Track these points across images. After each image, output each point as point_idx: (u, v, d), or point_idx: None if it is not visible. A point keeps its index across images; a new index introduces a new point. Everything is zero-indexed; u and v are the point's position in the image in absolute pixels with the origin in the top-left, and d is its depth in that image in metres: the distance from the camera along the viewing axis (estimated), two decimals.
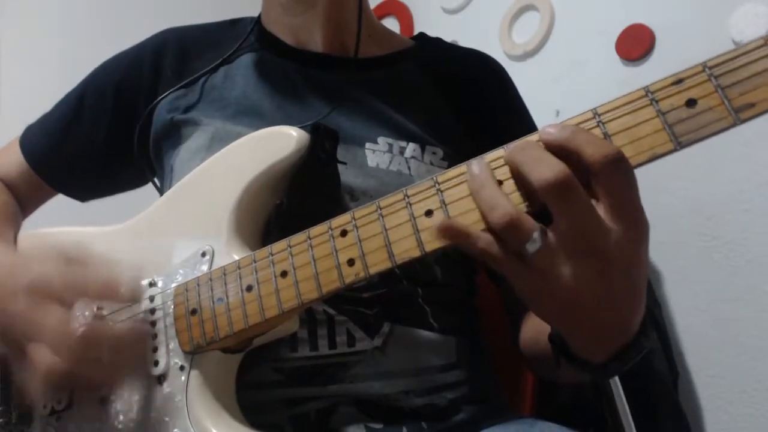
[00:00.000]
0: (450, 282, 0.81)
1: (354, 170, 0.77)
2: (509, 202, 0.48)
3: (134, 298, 0.65)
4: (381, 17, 2.30)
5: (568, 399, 1.05)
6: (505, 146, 0.51)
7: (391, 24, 2.28)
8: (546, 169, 0.46)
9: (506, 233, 0.47)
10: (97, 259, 0.65)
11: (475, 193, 0.50)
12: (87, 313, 0.61)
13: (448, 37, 1.03)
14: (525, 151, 0.48)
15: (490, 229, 0.49)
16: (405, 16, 2.26)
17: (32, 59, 1.80)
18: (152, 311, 0.68)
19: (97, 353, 0.59)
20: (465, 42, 1.93)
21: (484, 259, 0.50)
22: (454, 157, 0.82)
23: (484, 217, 0.49)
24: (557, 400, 1.03)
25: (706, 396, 1.52)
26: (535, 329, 0.77)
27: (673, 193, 1.57)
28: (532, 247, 0.47)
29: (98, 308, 0.66)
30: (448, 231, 0.50)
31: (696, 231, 1.56)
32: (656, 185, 1.52)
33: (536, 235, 0.46)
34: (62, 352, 0.58)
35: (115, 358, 0.61)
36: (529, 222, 0.47)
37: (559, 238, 0.47)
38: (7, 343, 0.66)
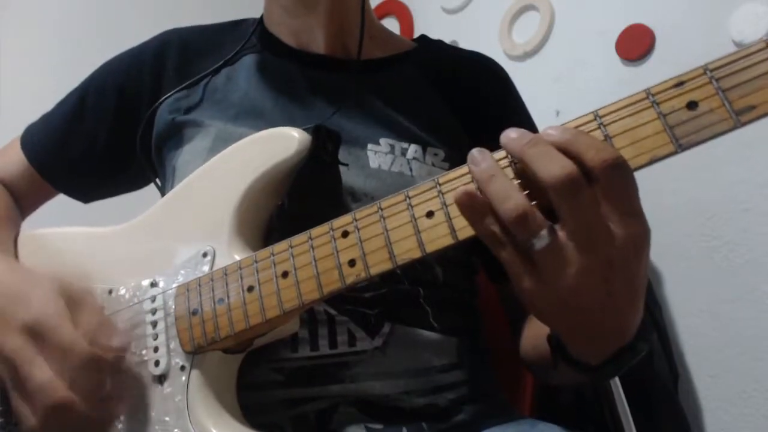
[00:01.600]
0: (451, 282, 0.81)
1: (356, 171, 0.77)
2: (522, 195, 0.47)
3: (125, 349, 0.66)
4: (381, 17, 2.30)
5: (568, 399, 1.05)
6: (501, 139, 0.51)
7: (391, 24, 2.28)
8: (556, 165, 0.45)
9: (516, 226, 0.47)
10: (96, 306, 0.66)
11: (483, 183, 0.49)
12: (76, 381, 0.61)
13: (448, 37, 1.03)
14: (535, 146, 0.47)
15: (499, 221, 0.48)
16: (405, 16, 2.26)
17: (32, 59, 1.80)
18: (153, 311, 0.68)
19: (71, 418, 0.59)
20: (465, 42, 1.95)
21: (491, 246, 0.49)
22: (455, 159, 0.82)
23: (493, 210, 0.48)
24: (557, 400, 1.03)
25: (706, 396, 1.52)
26: (534, 334, 0.77)
27: (674, 193, 1.57)
28: (539, 243, 0.46)
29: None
30: (471, 199, 0.49)
31: (696, 231, 1.56)
32: (657, 185, 1.53)
33: (545, 231, 0.46)
34: (45, 402, 0.58)
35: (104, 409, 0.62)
36: (540, 217, 0.47)
37: (566, 237, 0.47)
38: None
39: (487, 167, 0.49)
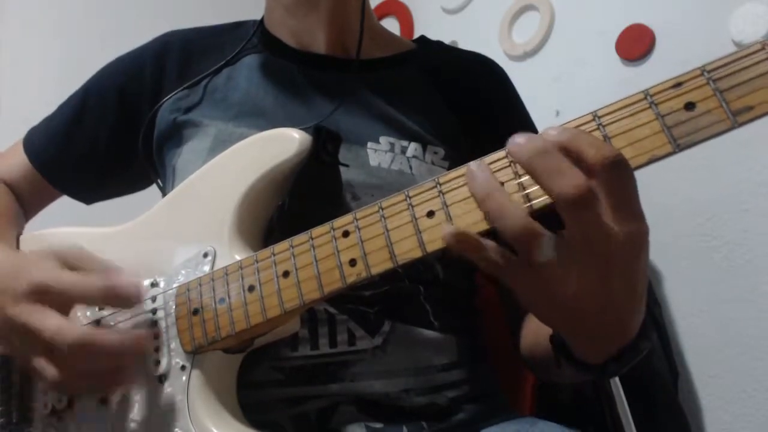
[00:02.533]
0: (451, 281, 0.81)
1: (356, 169, 0.77)
2: (521, 211, 0.47)
3: (134, 301, 0.64)
4: (381, 17, 2.30)
5: (568, 399, 1.05)
6: (505, 149, 0.51)
7: (391, 24, 2.28)
8: (569, 181, 0.45)
9: (517, 242, 0.47)
10: (97, 262, 0.65)
11: (482, 201, 0.49)
12: (84, 320, 0.62)
13: (448, 37, 1.03)
14: (546, 158, 0.46)
15: (498, 235, 0.48)
16: (405, 16, 2.26)
17: (33, 61, 1.80)
18: (154, 311, 0.68)
19: (94, 359, 0.60)
20: (465, 42, 1.95)
21: (488, 269, 0.49)
22: (455, 157, 0.83)
23: (494, 225, 0.48)
24: (557, 399, 1.03)
25: (706, 396, 1.52)
26: (534, 332, 0.77)
27: (674, 193, 1.57)
28: (542, 256, 0.47)
29: (99, 311, 0.66)
30: (461, 240, 0.49)
31: (696, 231, 1.56)
32: (656, 185, 1.52)
33: (548, 243, 0.46)
34: (59, 359, 0.59)
35: (115, 362, 0.62)
36: (542, 231, 0.47)
37: (570, 247, 0.47)
38: (7, 345, 0.66)
39: (483, 185, 0.49)
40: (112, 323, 0.70)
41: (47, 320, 0.59)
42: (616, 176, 0.45)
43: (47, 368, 0.60)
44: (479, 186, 0.49)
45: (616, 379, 1.04)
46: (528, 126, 0.92)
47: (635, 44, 1.69)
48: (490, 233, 0.50)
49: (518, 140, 0.47)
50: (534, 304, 0.51)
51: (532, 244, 0.47)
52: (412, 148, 0.81)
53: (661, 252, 1.59)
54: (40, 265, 0.64)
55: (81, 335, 0.58)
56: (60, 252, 0.65)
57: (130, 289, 0.63)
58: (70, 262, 0.64)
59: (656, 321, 1.50)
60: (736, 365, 1.48)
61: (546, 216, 0.48)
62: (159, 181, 0.93)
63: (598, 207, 0.45)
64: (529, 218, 0.47)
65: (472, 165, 0.51)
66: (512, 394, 0.96)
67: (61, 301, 0.61)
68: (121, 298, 0.63)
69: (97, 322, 0.68)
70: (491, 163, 0.51)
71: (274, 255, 0.62)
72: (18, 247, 0.84)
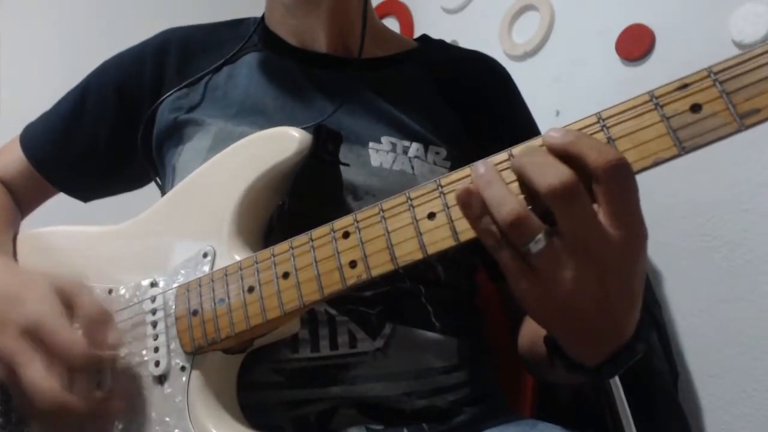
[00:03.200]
0: (452, 282, 0.81)
1: (357, 169, 0.77)
2: (517, 200, 0.47)
3: (119, 346, 0.66)
4: (381, 17, 2.28)
5: (568, 399, 1.05)
6: (508, 150, 0.51)
7: (391, 24, 2.28)
8: (553, 174, 0.46)
9: (512, 230, 0.47)
10: (91, 300, 0.65)
11: (482, 190, 0.49)
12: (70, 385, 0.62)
13: (448, 37, 1.03)
14: (531, 155, 0.48)
15: (496, 226, 0.49)
16: (405, 16, 2.26)
17: (32, 59, 1.80)
18: (153, 311, 0.68)
19: (74, 408, 0.60)
20: (465, 42, 1.94)
21: (491, 249, 0.50)
22: (457, 157, 0.82)
23: (491, 214, 0.48)
24: (557, 400, 1.03)
25: (706, 396, 1.52)
26: (532, 332, 0.77)
27: (674, 193, 1.57)
28: (535, 247, 0.47)
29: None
30: (470, 197, 0.49)
31: (696, 231, 1.56)
32: (657, 186, 1.53)
33: (541, 234, 0.46)
34: (39, 403, 0.59)
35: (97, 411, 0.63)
36: (536, 221, 0.47)
37: (562, 242, 0.47)
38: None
39: (484, 175, 0.50)
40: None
41: (30, 372, 0.60)
42: (618, 180, 0.45)
43: (24, 409, 0.63)
44: (479, 178, 0.50)
45: (616, 379, 1.03)
46: (530, 125, 0.92)
47: (635, 44, 1.69)
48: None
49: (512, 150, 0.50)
50: (528, 300, 0.51)
51: (527, 234, 0.47)
52: (414, 148, 0.81)
53: (661, 252, 1.59)
54: (38, 302, 0.63)
55: (56, 399, 0.59)
56: (60, 287, 0.65)
57: (113, 345, 0.65)
58: (66, 296, 0.64)
59: (656, 321, 1.50)
60: (736, 365, 1.48)
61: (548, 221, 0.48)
62: (158, 179, 0.93)
63: (585, 201, 0.46)
64: (525, 207, 0.47)
65: (477, 163, 0.51)
66: (512, 395, 0.96)
67: (50, 348, 0.61)
68: (108, 345, 0.64)
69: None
70: (495, 165, 0.51)
71: (274, 256, 0.62)
72: (15, 246, 0.83)
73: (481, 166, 0.51)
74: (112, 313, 0.68)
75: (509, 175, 0.50)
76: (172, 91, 0.87)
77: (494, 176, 0.49)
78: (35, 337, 0.61)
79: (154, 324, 0.68)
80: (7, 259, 0.78)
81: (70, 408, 0.59)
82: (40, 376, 0.59)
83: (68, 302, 0.64)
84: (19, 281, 0.67)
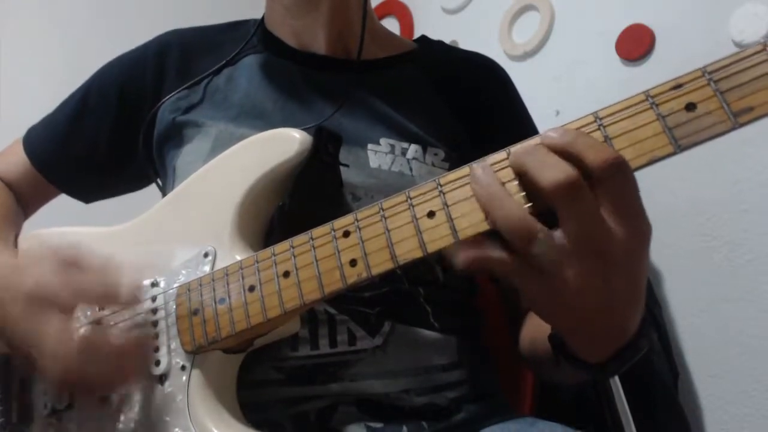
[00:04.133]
0: (451, 282, 0.81)
1: (356, 171, 0.77)
2: (516, 204, 0.48)
3: (134, 301, 0.65)
4: (381, 17, 2.30)
5: (568, 398, 1.05)
6: (506, 149, 0.51)
7: (391, 24, 2.28)
8: (555, 171, 0.46)
9: (514, 235, 0.47)
10: (96, 262, 0.65)
11: (480, 195, 0.50)
12: (85, 320, 0.62)
13: (447, 37, 1.03)
14: (532, 154, 0.48)
15: (495, 231, 0.49)
16: (405, 16, 2.26)
17: (33, 60, 1.80)
18: (154, 311, 0.68)
19: (96, 360, 0.60)
20: (465, 42, 1.95)
21: (496, 271, 0.50)
22: (455, 159, 0.83)
23: (490, 219, 0.49)
24: (557, 399, 1.03)
25: (706, 396, 1.52)
26: (534, 330, 0.77)
27: (674, 193, 1.57)
28: (539, 249, 0.47)
29: (100, 311, 0.67)
30: (472, 261, 0.50)
31: (696, 231, 1.56)
32: (656, 185, 1.52)
33: (543, 236, 0.47)
34: (62, 360, 0.60)
35: (116, 363, 0.62)
36: (536, 223, 0.47)
37: (566, 240, 0.47)
38: (9, 346, 0.66)
39: (482, 180, 0.50)
40: (112, 323, 0.70)
41: (49, 322, 0.60)
42: (617, 178, 0.46)
43: (49, 369, 0.60)
44: (477, 183, 0.50)
45: (616, 379, 1.04)
46: (528, 126, 0.92)
47: (635, 44, 1.69)
48: (492, 234, 0.50)
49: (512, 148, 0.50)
50: (534, 299, 0.52)
51: (530, 239, 0.47)
52: (413, 149, 0.81)
53: (661, 252, 1.59)
54: (39, 267, 0.64)
55: (80, 341, 0.59)
56: (59, 252, 0.65)
57: (129, 289, 0.63)
58: (69, 261, 0.64)
59: (656, 321, 1.50)
60: (736, 365, 1.48)
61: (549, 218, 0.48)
62: (159, 180, 0.93)
63: (589, 198, 0.46)
64: (527, 213, 0.47)
65: (475, 166, 0.51)
66: (512, 394, 0.96)
67: (62, 302, 0.61)
68: (120, 299, 0.63)
69: (98, 322, 0.68)
70: (492, 164, 0.51)
71: (275, 255, 0.62)
72: (16, 246, 0.84)
73: (479, 170, 0.51)
74: (113, 264, 0.67)
75: (507, 174, 0.50)
76: (172, 93, 0.87)
77: (492, 181, 0.50)
78: (41, 301, 0.61)
79: (155, 323, 0.68)
80: (7, 251, 0.79)
81: (101, 347, 0.60)
82: (60, 327, 0.60)
83: (68, 264, 0.64)
84: (19, 264, 0.68)
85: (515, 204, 0.48)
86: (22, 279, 0.63)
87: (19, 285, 0.63)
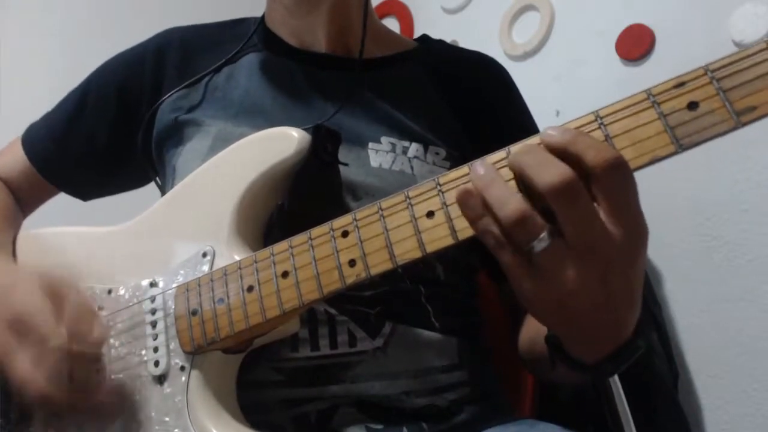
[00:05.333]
0: (452, 281, 0.81)
1: (356, 170, 0.77)
2: (520, 198, 0.47)
3: (101, 343, 0.66)
4: (381, 17, 2.29)
5: (568, 399, 1.05)
6: (506, 148, 0.51)
7: (391, 24, 2.28)
8: (552, 172, 0.46)
9: (516, 229, 0.47)
10: (79, 296, 0.66)
11: (483, 190, 0.49)
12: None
13: (448, 37, 1.03)
14: (530, 154, 0.48)
15: (498, 224, 0.48)
16: (405, 16, 2.26)
17: (32, 59, 1.80)
18: (153, 311, 0.68)
19: (65, 388, 0.61)
20: (465, 42, 1.94)
21: (491, 248, 0.50)
22: (456, 158, 0.82)
23: (493, 214, 0.48)
24: (557, 399, 1.03)
25: (706, 396, 1.52)
26: (533, 331, 0.77)
27: (673, 193, 1.57)
28: (539, 245, 0.47)
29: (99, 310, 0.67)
30: (470, 197, 0.50)
31: (696, 231, 1.56)
32: (656, 185, 1.52)
33: (545, 233, 0.46)
34: (31, 387, 0.61)
35: (89, 390, 0.65)
36: (540, 220, 0.47)
37: (565, 240, 0.47)
38: None
39: (484, 175, 0.50)
40: (110, 323, 0.70)
41: (16, 364, 0.62)
42: (616, 178, 0.45)
43: (22, 390, 0.63)
44: (481, 178, 0.50)
45: (616, 378, 1.03)
46: (529, 125, 0.92)
47: (635, 44, 1.69)
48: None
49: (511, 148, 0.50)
50: (530, 299, 0.51)
51: (532, 233, 0.47)
52: (414, 148, 0.81)
53: (661, 252, 1.59)
54: (24, 293, 0.65)
55: (39, 392, 0.61)
56: (48, 283, 0.66)
57: (100, 333, 0.66)
58: (54, 291, 0.65)
59: (656, 321, 1.50)
60: (736, 365, 1.48)
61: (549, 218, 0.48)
62: (158, 179, 0.93)
63: (586, 199, 0.46)
64: (528, 206, 0.47)
65: (475, 162, 0.51)
66: (513, 395, 0.96)
67: (39, 334, 0.62)
68: (89, 341, 0.64)
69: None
70: (493, 163, 0.51)
71: (273, 255, 0.62)
72: (15, 247, 0.84)
73: (480, 167, 0.50)
74: (95, 310, 0.69)
75: (507, 174, 0.50)
76: (172, 92, 0.87)
77: (495, 176, 0.49)
78: (20, 331, 0.62)
79: (154, 324, 0.68)
80: (3, 258, 0.79)
81: (51, 399, 0.61)
82: (24, 368, 0.61)
83: (55, 298, 0.64)
84: (10, 279, 0.69)
85: (519, 198, 0.47)
86: (9, 301, 0.64)
87: (3, 307, 0.64)
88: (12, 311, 0.63)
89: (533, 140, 0.50)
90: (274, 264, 0.61)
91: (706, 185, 1.54)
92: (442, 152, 0.82)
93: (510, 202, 0.47)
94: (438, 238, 0.52)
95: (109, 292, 0.73)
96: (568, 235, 0.46)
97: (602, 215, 0.46)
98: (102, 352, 0.67)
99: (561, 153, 0.47)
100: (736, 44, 1.51)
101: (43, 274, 0.67)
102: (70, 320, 0.63)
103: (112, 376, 0.69)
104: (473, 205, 0.49)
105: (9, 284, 0.67)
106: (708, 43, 1.55)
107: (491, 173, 0.50)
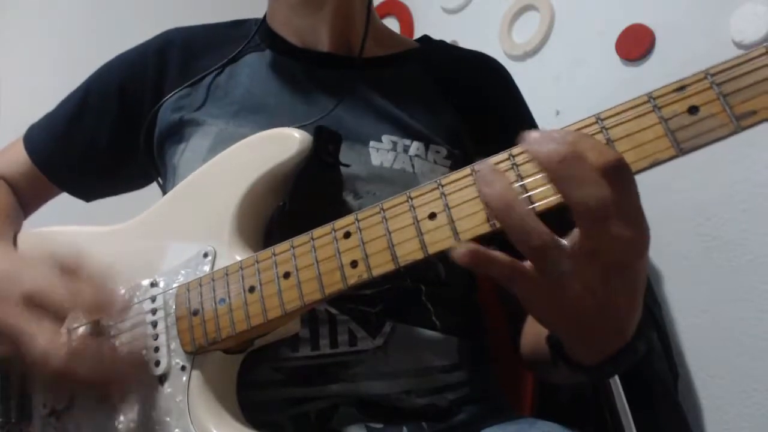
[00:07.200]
0: (453, 280, 0.81)
1: (358, 168, 0.77)
2: (543, 227, 0.46)
3: (123, 315, 0.66)
4: (381, 17, 2.28)
5: (568, 399, 1.05)
6: (507, 151, 0.50)
7: (391, 24, 2.28)
8: (594, 193, 0.44)
9: (538, 259, 0.47)
10: (92, 267, 0.65)
11: (501, 213, 0.46)
12: (76, 324, 0.62)
13: (448, 37, 1.03)
14: (571, 165, 0.44)
15: (497, 233, 0.48)
16: (405, 16, 2.26)
17: (33, 58, 1.80)
18: (154, 311, 0.68)
19: (86, 364, 0.60)
20: (465, 42, 1.94)
21: (498, 280, 0.49)
22: (457, 156, 0.83)
23: (518, 243, 0.46)
24: (557, 399, 1.03)
25: (706, 396, 1.52)
26: (534, 332, 0.77)
27: (674, 193, 1.57)
28: (557, 269, 0.46)
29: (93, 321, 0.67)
30: (474, 257, 0.48)
31: (696, 231, 1.56)
32: (656, 185, 1.52)
33: (566, 259, 0.46)
34: (51, 364, 0.59)
35: (108, 367, 0.62)
36: (562, 245, 0.46)
37: (581, 255, 0.46)
38: (4, 345, 0.66)
39: (502, 192, 0.46)
40: (111, 323, 0.70)
41: (41, 329, 0.59)
42: (619, 181, 0.45)
43: (39, 371, 0.60)
44: (497, 196, 0.47)
45: (616, 378, 1.04)
46: (530, 125, 0.92)
47: (635, 44, 1.69)
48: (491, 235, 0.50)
49: (537, 138, 0.45)
50: (533, 304, 0.51)
51: (551, 258, 0.46)
52: (415, 146, 0.81)
53: (661, 252, 1.59)
54: (35, 270, 0.63)
55: (59, 367, 0.58)
56: (56, 256, 0.65)
57: (121, 304, 0.65)
58: (67, 266, 0.64)
59: (656, 321, 1.50)
60: (736, 365, 1.48)
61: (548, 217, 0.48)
62: (159, 179, 0.93)
63: (615, 222, 0.44)
64: (551, 234, 0.46)
65: (482, 168, 0.49)
66: (512, 395, 0.96)
67: (55, 309, 0.61)
68: (111, 312, 0.63)
69: (97, 323, 0.68)
70: (495, 164, 0.50)
71: (275, 255, 0.62)
72: (15, 245, 0.84)
73: (493, 180, 0.47)
74: (111, 279, 0.67)
75: (510, 176, 0.50)
76: (174, 92, 0.87)
77: (513, 196, 0.47)
78: (35, 305, 0.61)
79: (155, 324, 0.68)
80: (6, 248, 0.78)
81: (73, 373, 0.59)
82: (44, 343, 0.59)
83: (68, 272, 0.63)
84: (17, 260, 0.68)
85: (543, 227, 0.46)
86: (16, 280, 0.63)
87: (12, 286, 0.62)
88: (23, 288, 0.61)
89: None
90: (276, 264, 0.61)
91: (706, 185, 1.54)
92: (443, 151, 0.82)
93: (534, 231, 0.45)
94: (440, 239, 0.52)
95: None
96: (586, 250, 0.46)
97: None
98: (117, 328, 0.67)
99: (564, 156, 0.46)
100: (736, 44, 1.50)
101: (51, 252, 0.66)
102: (88, 292, 0.62)
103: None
104: (480, 260, 0.48)
105: (16, 267, 0.65)
106: (708, 43, 1.55)
107: (507, 193, 0.47)
